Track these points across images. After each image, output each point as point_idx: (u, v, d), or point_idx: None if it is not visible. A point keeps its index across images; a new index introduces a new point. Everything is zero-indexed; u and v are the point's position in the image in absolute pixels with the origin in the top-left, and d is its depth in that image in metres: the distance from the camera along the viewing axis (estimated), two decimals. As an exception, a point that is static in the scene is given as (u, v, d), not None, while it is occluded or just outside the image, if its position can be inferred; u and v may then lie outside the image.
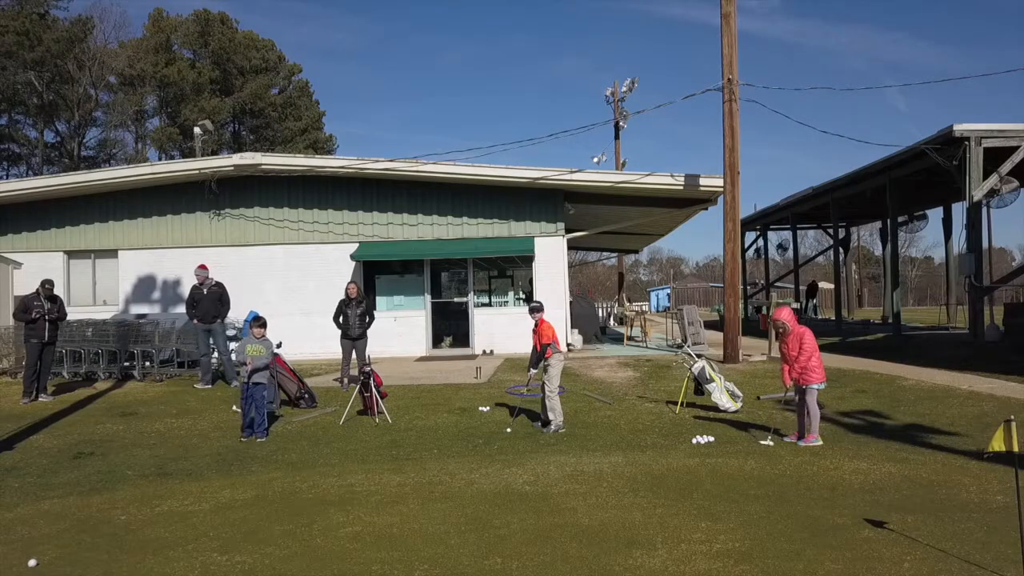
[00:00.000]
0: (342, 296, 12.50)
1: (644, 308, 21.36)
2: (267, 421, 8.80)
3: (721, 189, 15.78)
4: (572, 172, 15.91)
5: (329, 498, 5.86)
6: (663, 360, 14.72)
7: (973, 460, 6.63)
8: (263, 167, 16.19)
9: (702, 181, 15.70)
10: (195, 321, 12.35)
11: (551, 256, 16.73)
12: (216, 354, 12.69)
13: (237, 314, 15.19)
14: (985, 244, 15.37)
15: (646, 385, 11.98)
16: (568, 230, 16.93)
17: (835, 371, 12.36)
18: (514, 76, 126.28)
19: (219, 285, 12.55)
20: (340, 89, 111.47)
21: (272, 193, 17.00)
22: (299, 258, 16.95)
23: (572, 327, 16.95)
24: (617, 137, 33.14)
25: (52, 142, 52.08)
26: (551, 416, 8.51)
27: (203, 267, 12.62)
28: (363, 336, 12.11)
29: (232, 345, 12.72)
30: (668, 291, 66.22)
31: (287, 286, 16.77)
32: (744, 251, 32.68)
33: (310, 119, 61.18)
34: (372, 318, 12.31)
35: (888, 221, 18.38)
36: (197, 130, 25.01)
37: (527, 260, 16.97)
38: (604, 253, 43.89)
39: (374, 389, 9.37)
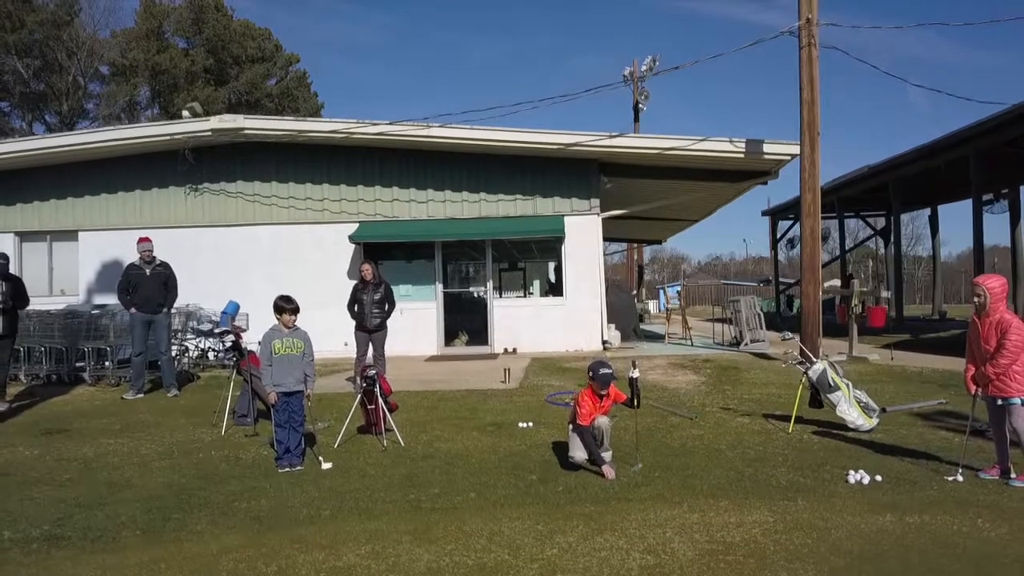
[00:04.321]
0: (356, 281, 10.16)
1: (682, 304, 18.89)
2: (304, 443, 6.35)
3: (787, 157, 13.39)
4: (611, 137, 13.43)
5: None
6: (724, 360, 12.24)
7: None
8: (246, 131, 13.69)
9: (766, 148, 13.20)
10: (132, 310, 9.79)
11: (584, 238, 14.25)
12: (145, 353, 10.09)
13: (213, 305, 12.76)
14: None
15: (721, 392, 9.50)
16: (602, 208, 14.44)
17: (950, 374, 9.94)
18: (535, 75, 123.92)
19: (165, 266, 10.05)
20: (349, 84, 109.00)
21: (258, 165, 14.51)
22: (288, 240, 14.45)
23: (608, 321, 14.47)
24: (637, 119, 30.70)
25: (41, 134, 49.72)
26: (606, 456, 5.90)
27: (146, 240, 10.09)
28: (382, 327, 9.84)
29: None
30: (678, 288, 63.74)
31: (274, 273, 14.23)
32: (776, 242, 30.27)
33: (308, 111, 58.67)
34: (392, 305, 9.94)
35: (970, 202, 15.91)
36: (186, 113, 22.52)
37: (555, 243, 14.48)
38: (616, 243, 41.27)
39: (380, 400, 6.89)
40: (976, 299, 5.44)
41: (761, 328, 14.48)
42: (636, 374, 5.90)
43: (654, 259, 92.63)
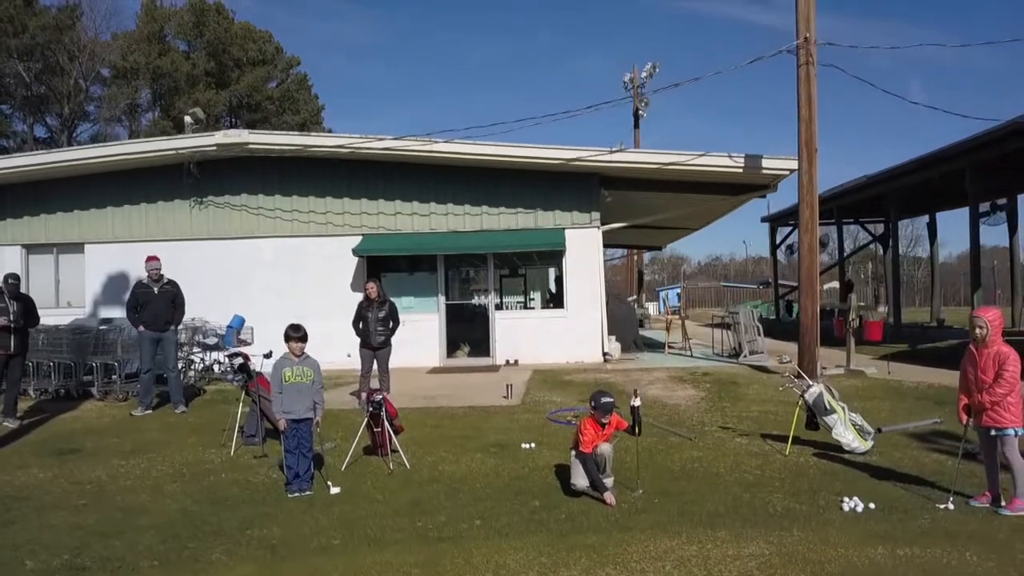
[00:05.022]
0: (361, 298, 10.43)
1: (684, 311, 19.00)
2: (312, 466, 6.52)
3: (786, 172, 13.59)
4: (612, 152, 13.60)
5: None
6: (723, 374, 12.41)
7: None
8: (251, 146, 13.87)
9: (765, 163, 13.39)
10: (140, 328, 9.98)
11: (585, 251, 14.45)
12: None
13: (217, 318, 12.97)
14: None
15: (720, 409, 9.67)
16: (602, 221, 14.62)
17: (946, 390, 10.08)
18: (536, 76, 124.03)
19: (172, 284, 10.23)
20: (350, 84, 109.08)
21: (262, 178, 14.69)
22: (292, 253, 14.64)
23: (609, 333, 14.64)
24: (637, 126, 30.91)
25: (42, 137, 49.86)
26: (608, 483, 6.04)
27: (154, 258, 10.26)
28: (386, 344, 10.04)
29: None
30: (678, 291, 63.91)
31: (277, 285, 14.45)
32: (775, 249, 30.41)
33: (308, 113, 59.07)
34: (397, 323, 10.14)
35: (969, 210, 16.08)
36: (188, 119, 22.74)
37: (556, 256, 14.66)
38: (618, 249, 41.52)
39: (386, 423, 7.05)
40: (978, 331, 5.58)
41: (760, 336, 14.66)
42: (637, 402, 6.06)
43: (654, 260, 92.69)
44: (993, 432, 5.53)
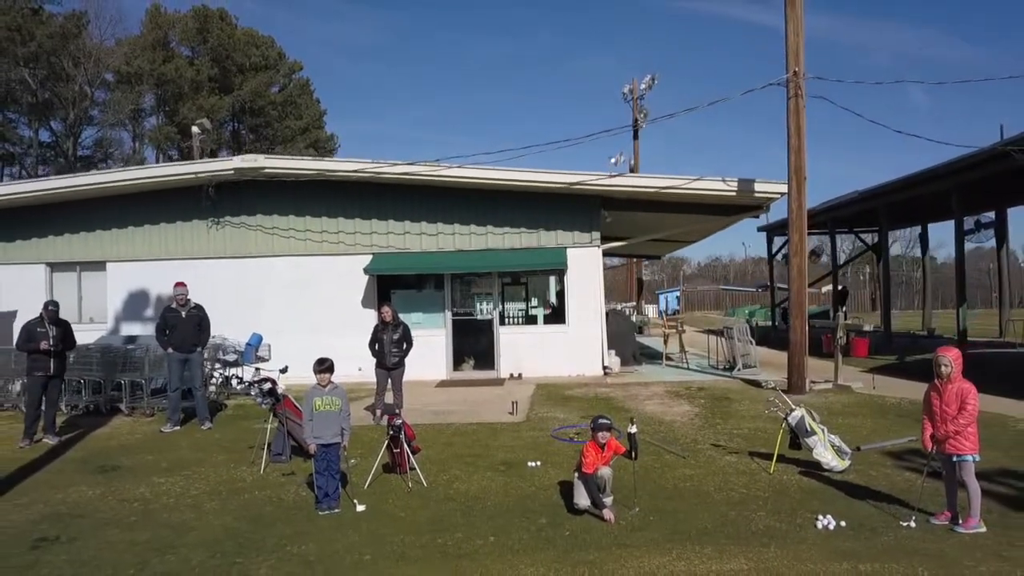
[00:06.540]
0: (376, 321, 11.25)
1: (682, 323, 19.64)
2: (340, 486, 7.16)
3: (777, 195, 14.26)
4: (612, 176, 14.29)
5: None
6: (717, 388, 13.07)
7: None
8: (267, 171, 14.52)
9: (757, 187, 14.05)
10: (169, 350, 10.71)
11: (586, 269, 15.10)
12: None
13: (234, 333, 13.65)
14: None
15: (713, 426, 10.32)
16: (602, 239, 15.28)
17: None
18: (536, 76, 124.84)
19: (199, 308, 10.93)
20: (351, 86, 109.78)
21: (276, 199, 15.34)
22: (305, 271, 15.30)
23: (608, 347, 15.30)
24: (636, 137, 31.53)
25: (47, 142, 50.54)
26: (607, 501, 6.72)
27: (182, 284, 10.99)
28: (400, 365, 10.75)
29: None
30: (677, 294, 64.44)
31: (291, 302, 15.13)
32: (772, 257, 31.08)
33: (311, 118, 59.69)
34: (410, 344, 10.84)
35: (954, 226, 16.77)
36: (195, 129, 23.53)
37: (558, 273, 15.33)
38: (619, 258, 42.16)
39: (405, 444, 7.72)
40: (943, 368, 6.27)
41: (753, 350, 15.34)
42: (634, 429, 6.73)
43: (654, 260, 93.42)
44: (955, 458, 6.22)
